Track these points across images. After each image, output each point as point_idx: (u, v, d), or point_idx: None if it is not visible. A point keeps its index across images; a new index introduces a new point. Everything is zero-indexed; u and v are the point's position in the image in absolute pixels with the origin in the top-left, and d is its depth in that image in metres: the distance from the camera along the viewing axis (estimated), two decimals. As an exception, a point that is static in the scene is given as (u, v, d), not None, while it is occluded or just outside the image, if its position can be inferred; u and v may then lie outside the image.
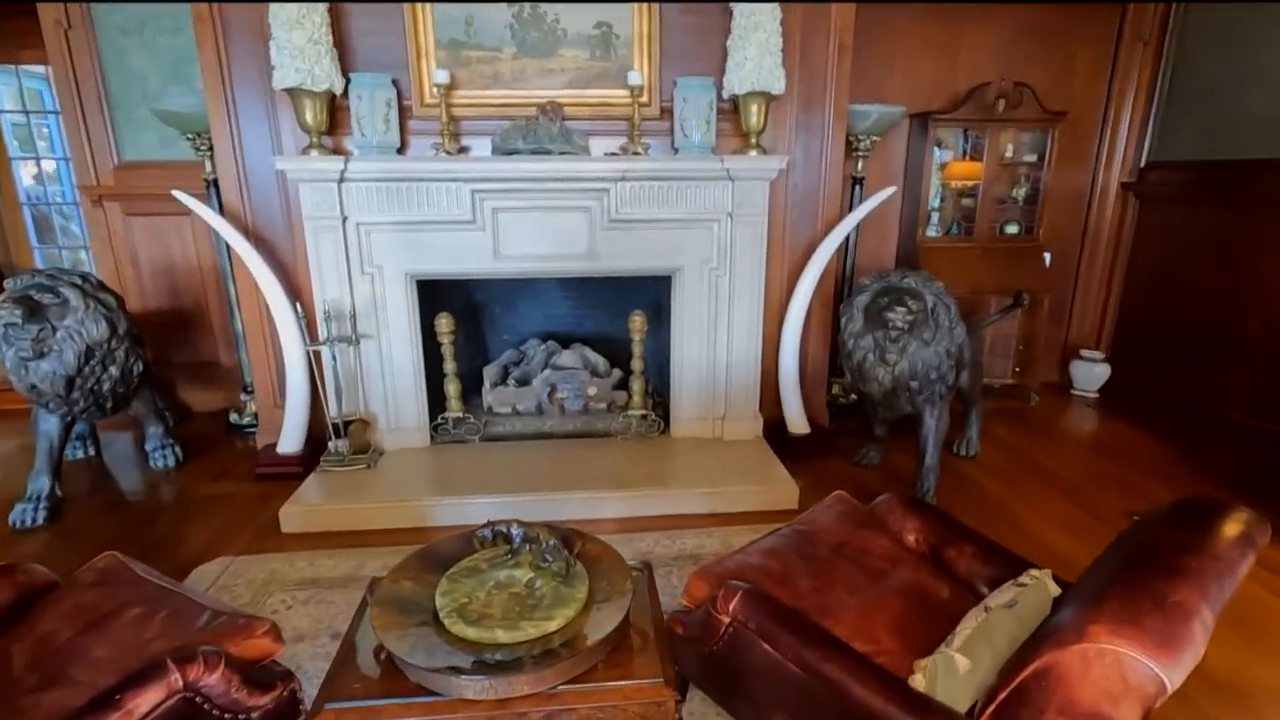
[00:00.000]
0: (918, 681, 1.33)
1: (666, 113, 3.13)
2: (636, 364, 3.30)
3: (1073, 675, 1.00)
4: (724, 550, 2.58)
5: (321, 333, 3.00)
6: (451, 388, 3.28)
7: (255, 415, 3.60)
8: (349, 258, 2.99)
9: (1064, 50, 4.09)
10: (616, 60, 3.06)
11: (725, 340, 3.27)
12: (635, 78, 2.95)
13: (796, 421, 3.41)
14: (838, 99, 3.25)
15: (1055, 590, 1.53)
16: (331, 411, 3.06)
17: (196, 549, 2.63)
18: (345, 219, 2.94)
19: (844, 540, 1.85)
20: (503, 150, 2.96)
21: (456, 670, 1.15)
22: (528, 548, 1.42)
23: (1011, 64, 4.02)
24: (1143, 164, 4.19)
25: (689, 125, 3.06)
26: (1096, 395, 4.34)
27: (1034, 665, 1.05)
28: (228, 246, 3.26)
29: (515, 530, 1.44)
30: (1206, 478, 3.23)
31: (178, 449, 3.37)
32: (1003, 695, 1.10)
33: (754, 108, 3.01)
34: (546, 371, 3.46)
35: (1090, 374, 4.34)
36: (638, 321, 3.23)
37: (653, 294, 3.33)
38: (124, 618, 1.54)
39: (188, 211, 3.10)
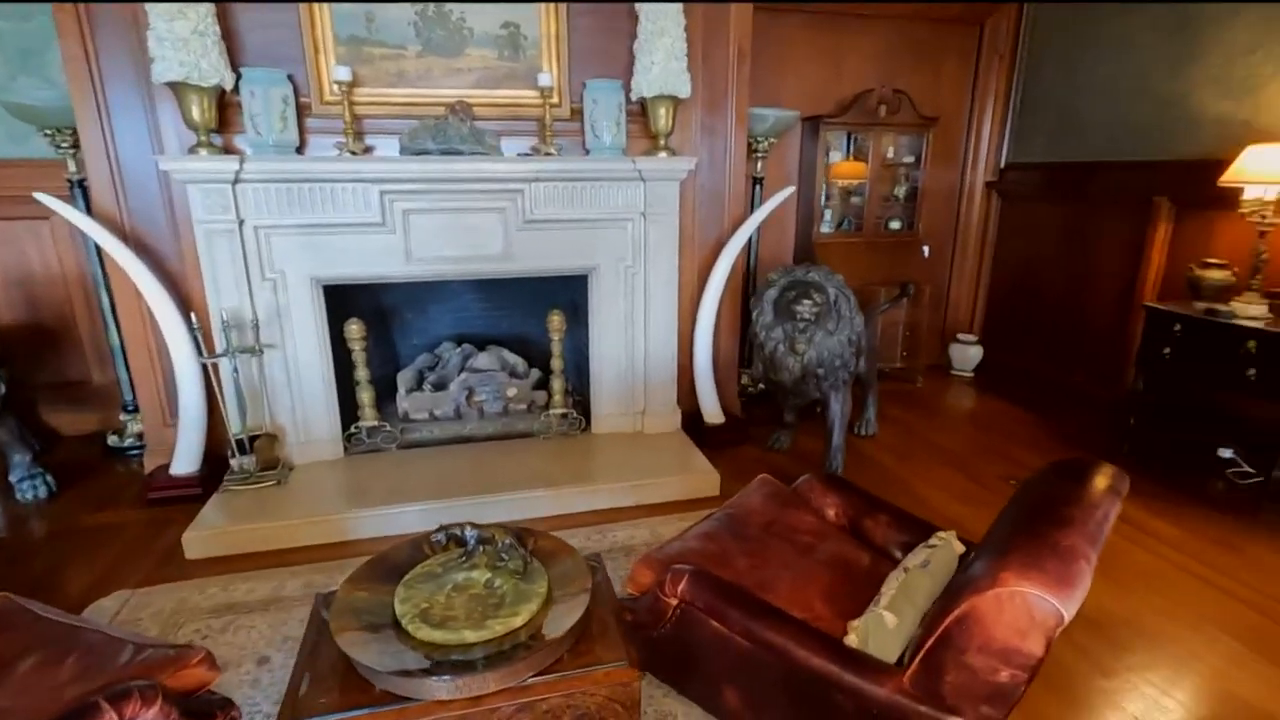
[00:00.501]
0: (852, 640, 1.46)
1: (577, 114, 3.17)
2: (556, 363, 3.32)
3: (989, 617, 1.15)
4: (654, 540, 2.68)
5: (219, 344, 2.82)
6: (365, 396, 3.17)
7: (140, 436, 3.32)
8: (248, 263, 2.82)
9: (934, 61, 4.48)
10: (525, 61, 3.07)
11: (642, 337, 3.36)
12: (545, 79, 2.97)
13: (712, 412, 3.56)
14: (739, 103, 3.41)
15: (960, 548, 1.73)
16: (233, 427, 2.88)
17: (85, 585, 2.40)
18: (241, 222, 2.77)
19: (772, 519, 1.98)
20: (411, 150, 2.89)
21: (429, 673, 1.16)
22: (482, 549, 1.43)
23: (890, 72, 4.36)
24: (1002, 165, 4.67)
25: (600, 127, 3.12)
26: (972, 374, 4.80)
27: (956, 612, 1.19)
28: (100, 253, 2.99)
29: (469, 532, 1.45)
30: (1066, 441, 3.67)
31: (48, 478, 3.05)
32: (930, 642, 1.24)
33: (662, 110, 3.10)
34: (463, 375, 3.41)
35: (966, 355, 4.79)
36: (556, 321, 3.26)
37: (569, 293, 3.36)
38: (27, 664, 1.41)
39: (47, 215, 2.81)
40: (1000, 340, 4.78)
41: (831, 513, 2.07)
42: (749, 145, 3.66)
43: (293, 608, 2.25)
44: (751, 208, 3.79)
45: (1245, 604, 2.34)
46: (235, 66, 2.75)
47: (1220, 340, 2.96)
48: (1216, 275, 3.17)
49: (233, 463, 2.88)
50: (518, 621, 1.25)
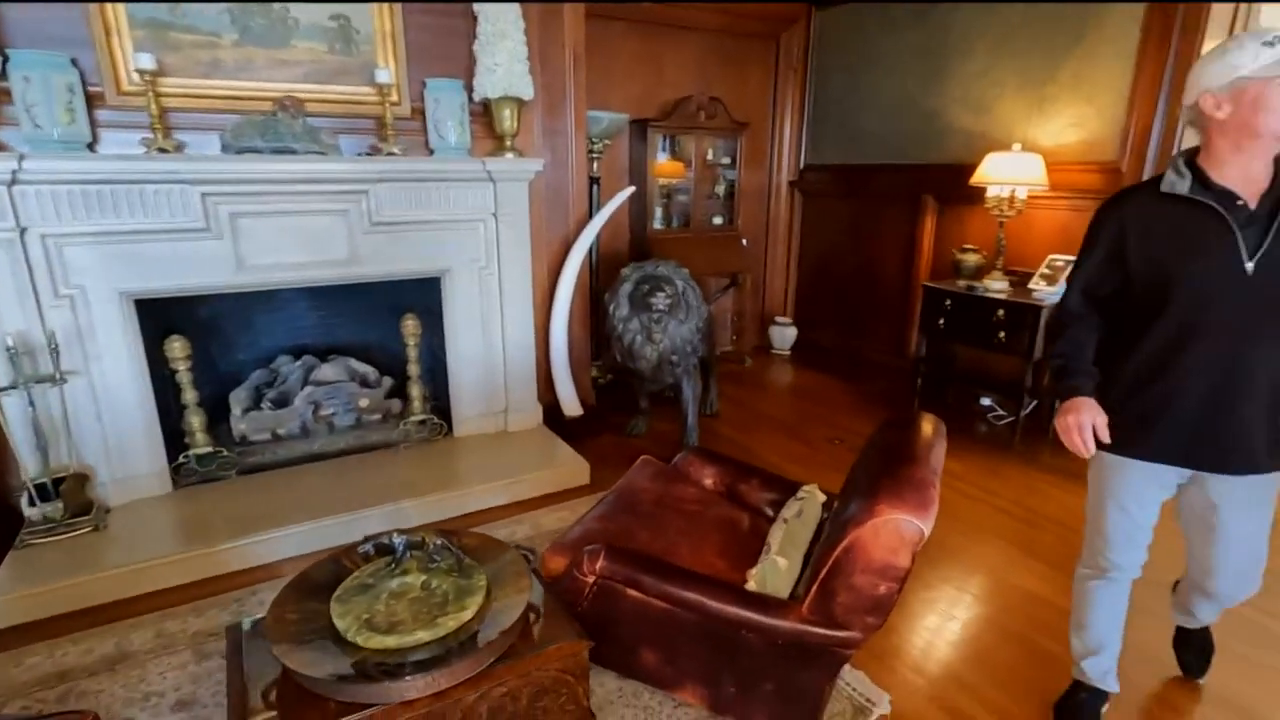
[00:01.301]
0: (752, 585, 1.68)
1: (418, 113, 3.10)
2: (413, 368, 3.24)
3: (869, 543, 1.41)
4: (538, 534, 2.76)
5: (3, 375, 2.38)
6: (194, 420, 2.86)
7: (-121, 497, 2.69)
8: (34, 279, 2.41)
9: (741, 71, 4.95)
10: (359, 56, 2.94)
11: (500, 337, 3.38)
12: (384, 76, 2.88)
13: (571, 405, 3.68)
14: (578, 105, 3.54)
15: (823, 498, 2.03)
16: (30, 471, 2.46)
17: None
18: (24, 230, 2.37)
19: (661, 494, 2.16)
20: (236, 148, 2.65)
21: (392, 676, 1.16)
22: (410, 554, 1.43)
23: (705, 80, 4.75)
24: (802, 166, 5.29)
25: (444, 127, 3.08)
26: (790, 352, 5.40)
27: (843, 544, 1.45)
28: None
29: (397, 539, 1.43)
30: (871, 403, 4.30)
31: None
32: (823, 573, 1.49)
33: (507, 112, 3.14)
34: (308, 389, 3.19)
35: (784, 336, 5.38)
36: (410, 325, 3.17)
37: (422, 296, 3.28)
38: None
39: None
40: (810, 321, 5.42)
41: (709, 482, 2.30)
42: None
43: (147, 662, 2.01)
44: (591, 207, 3.94)
45: (1011, 516, 2.96)
46: (0, 48, 2.33)
47: (978, 310, 3.67)
48: (971, 258, 3.92)
49: (30, 512, 2.46)
50: (467, 615, 1.29)
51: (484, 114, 3.21)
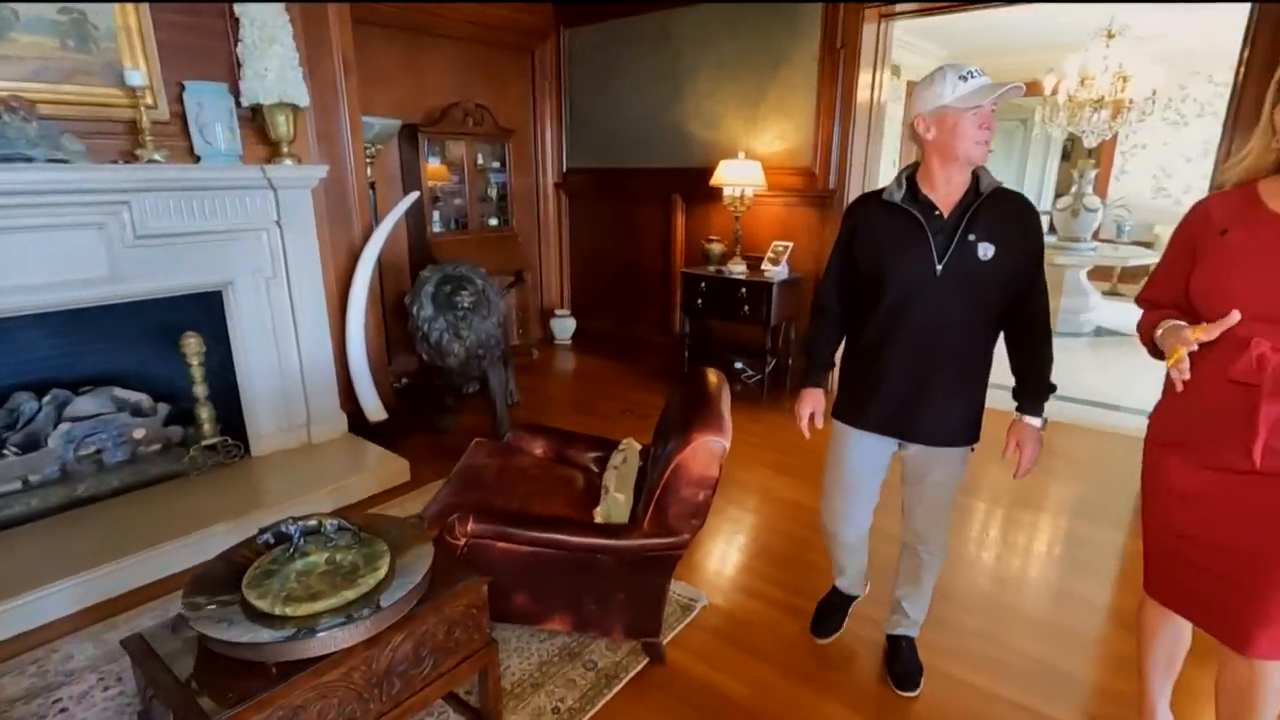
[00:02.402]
0: (599, 519, 2.05)
1: (178, 118, 2.90)
2: (199, 389, 3.03)
3: (690, 461, 1.85)
4: (372, 530, 2.82)
5: None
6: (-84, 478, 2.40)
7: None
8: None
9: (501, 81, 5.23)
10: (101, 54, 2.67)
11: (295, 348, 3.30)
12: (136, 78, 2.67)
13: (375, 410, 3.69)
14: (351, 111, 3.55)
15: (639, 447, 2.47)
16: None
17: None
18: None
19: (501, 466, 2.42)
20: (-49, 156, 2.29)
21: (333, 626, 1.29)
22: (306, 539, 1.53)
23: (468, 88, 4.95)
24: (565, 169, 5.74)
25: (210, 132, 2.93)
26: (571, 342, 5.85)
27: (671, 466, 1.87)
28: None
29: (290, 527, 1.51)
30: (649, 378, 4.91)
31: None
32: (657, 492, 1.90)
33: (281, 118, 3.07)
34: (65, 426, 2.82)
35: (564, 327, 5.81)
36: (193, 344, 2.96)
37: (204, 312, 3.06)
38: None
39: None
40: (587, 311, 5.92)
41: (540, 451, 2.61)
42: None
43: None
44: (371, 212, 3.96)
45: (768, 449, 3.72)
46: None
47: (726, 290, 4.44)
48: (716, 247, 4.69)
49: None
50: (382, 573, 1.44)
51: (253, 119, 3.10)
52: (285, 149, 3.13)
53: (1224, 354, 1.32)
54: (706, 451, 1.86)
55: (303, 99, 3.11)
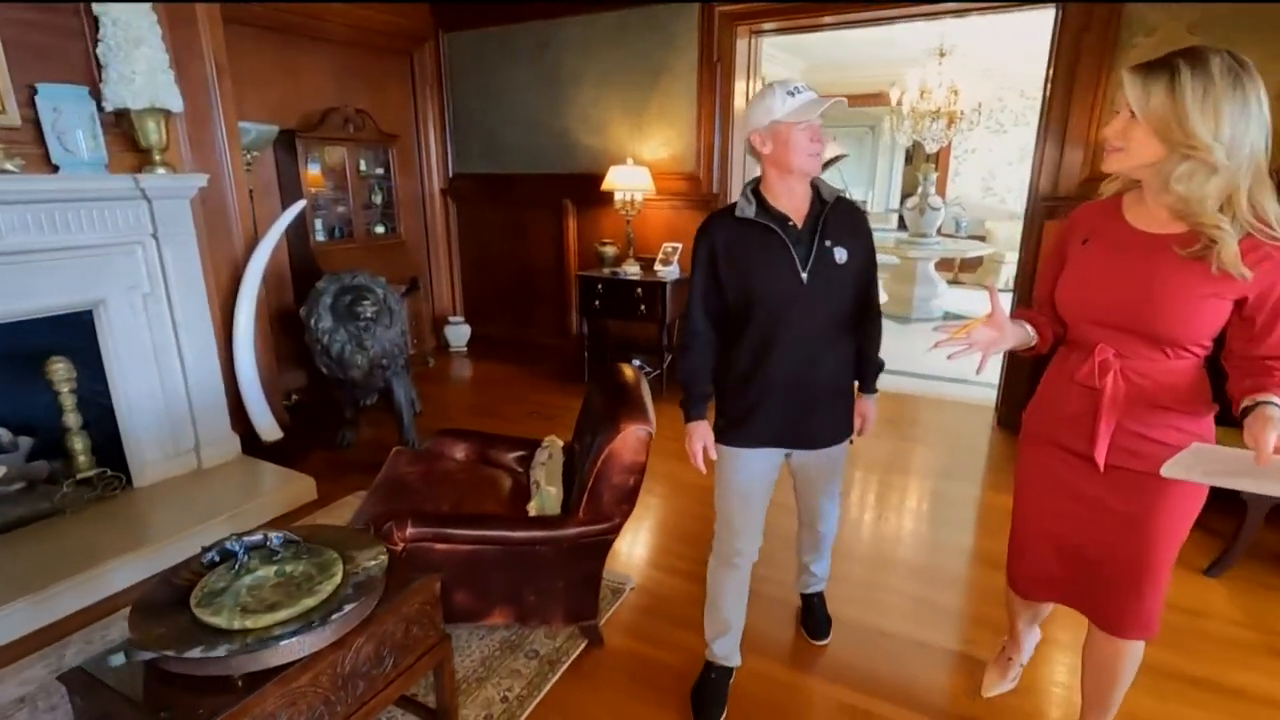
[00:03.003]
0: (533, 513, 2.14)
1: (30, 123, 2.65)
2: (71, 418, 2.78)
3: (621, 449, 1.99)
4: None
5: None
6: None
7: None
8: None
9: (381, 86, 5.11)
10: (-66, 53, 2.40)
11: (179, 368, 3.10)
12: (-21, 80, 2.43)
13: (269, 429, 3.53)
14: (227, 116, 3.38)
15: (561, 442, 2.57)
16: None
17: None
18: None
19: (425, 472, 2.44)
20: None
21: (299, 633, 1.30)
22: (249, 555, 1.51)
23: (346, 92, 4.79)
24: (451, 175, 5.68)
25: (70, 139, 2.71)
26: (467, 348, 5.80)
27: (602, 456, 2.00)
28: None
29: (234, 544, 1.48)
30: (551, 379, 4.99)
31: None
32: (590, 481, 2.03)
33: (152, 124, 2.89)
34: (-94, 469, 2.51)
35: (459, 334, 5.76)
36: (61, 370, 2.73)
37: (73, 335, 2.81)
38: None
39: None
40: (481, 317, 5.89)
41: (462, 455, 2.64)
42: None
43: None
44: (251, 222, 3.77)
45: (666, 439, 3.90)
46: None
47: (622, 290, 4.62)
48: (610, 249, 4.86)
49: None
50: (339, 578, 1.46)
51: (118, 125, 2.89)
52: (157, 157, 2.94)
53: (1077, 359, 1.41)
54: (635, 439, 2.00)
55: (176, 104, 2.94)
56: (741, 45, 4.38)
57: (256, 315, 3.45)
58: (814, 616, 2.29)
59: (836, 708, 2.01)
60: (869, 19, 4.12)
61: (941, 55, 6.35)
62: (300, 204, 3.64)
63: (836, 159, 12.87)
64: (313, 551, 1.57)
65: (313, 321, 3.23)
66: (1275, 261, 1.20)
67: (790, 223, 1.67)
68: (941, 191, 8.69)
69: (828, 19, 4.15)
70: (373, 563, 1.55)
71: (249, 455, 3.39)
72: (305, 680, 1.34)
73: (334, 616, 1.37)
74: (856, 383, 1.91)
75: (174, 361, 3.08)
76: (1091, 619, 1.55)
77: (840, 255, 1.68)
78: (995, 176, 8.99)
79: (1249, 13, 3.08)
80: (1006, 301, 2.83)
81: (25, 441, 2.84)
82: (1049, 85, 3.68)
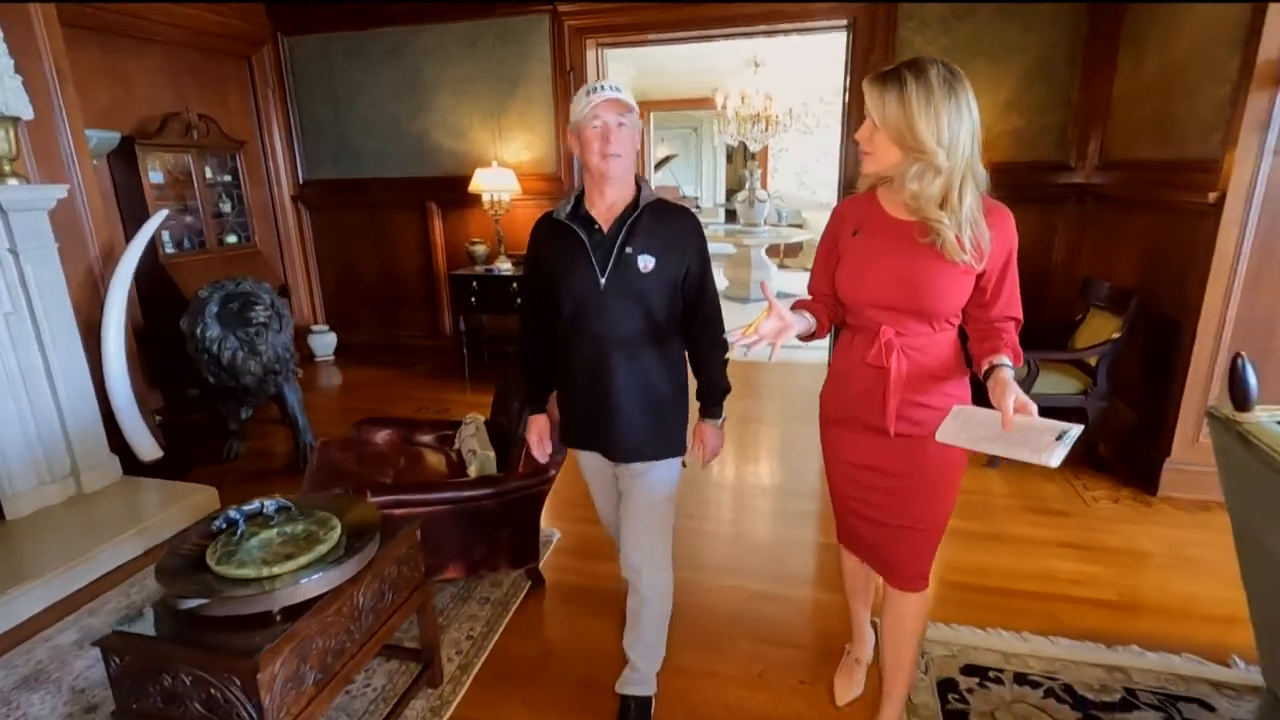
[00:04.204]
0: (474, 474, 2.42)
1: None
2: (-68, 452, 2.57)
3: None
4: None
5: None
6: None
7: None
8: None
9: (220, 90, 4.91)
10: None
11: (49, 391, 2.93)
12: None
13: (148, 449, 3.39)
14: (73, 123, 3.21)
15: (483, 418, 2.85)
16: None
17: None
18: None
19: (359, 456, 2.61)
20: None
21: (325, 570, 1.51)
22: (246, 524, 1.66)
23: (183, 97, 4.58)
24: (301, 181, 5.55)
25: (-94, 150, 2.51)
26: (334, 356, 5.71)
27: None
28: None
29: (234, 513, 1.63)
30: (429, 377, 5.11)
31: None
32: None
33: (1, 132, 2.73)
34: None
35: (324, 343, 5.65)
36: (-83, 399, 2.52)
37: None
38: None
39: None
40: (345, 324, 5.82)
41: (385, 440, 2.82)
42: (84, 169, 3.43)
43: None
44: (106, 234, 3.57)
45: (565, 418, 4.28)
46: None
47: (497, 286, 4.87)
48: (480, 248, 5.08)
49: None
50: (339, 531, 1.66)
51: (-45, 134, 2.70)
52: (7, 167, 2.78)
53: (864, 342, 1.51)
54: (563, 399, 2.35)
55: (26, 111, 2.80)
56: (591, 55, 4.81)
57: (127, 331, 3.31)
58: None
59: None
60: (685, 38, 4.76)
61: (756, 66, 7.22)
62: (163, 213, 3.53)
63: (668, 159, 13.76)
64: (305, 513, 1.76)
65: (198, 330, 3.18)
66: (1000, 239, 1.38)
67: (596, 226, 1.63)
68: (764, 186, 9.74)
69: (651, 35, 4.73)
70: (366, 516, 1.78)
71: (132, 476, 3.25)
72: (332, 611, 1.57)
73: (352, 556, 1.60)
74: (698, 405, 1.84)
75: (43, 383, 2.91)
76: (885, 577, 1.68)
77: (645, 263, 1.61)
78: (807, 171, 10.24)
79: (986, 39, 4.03)
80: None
81: None
82: (847, 93, 4.49)
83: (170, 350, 3.87)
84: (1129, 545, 2.74)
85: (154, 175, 4.35)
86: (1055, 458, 1.14)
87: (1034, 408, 1.23)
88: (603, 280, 1.61)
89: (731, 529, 2.96)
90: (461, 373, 5.14)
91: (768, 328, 1.39)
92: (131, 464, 3.31)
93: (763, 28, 4.61)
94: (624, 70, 8.17)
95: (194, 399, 4.16)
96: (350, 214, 5.58)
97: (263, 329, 3.28)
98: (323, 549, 1.61)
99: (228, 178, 4.86)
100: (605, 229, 1.63)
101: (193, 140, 4.49)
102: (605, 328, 1.64)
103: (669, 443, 1.76)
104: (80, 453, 3.06)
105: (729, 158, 13.40)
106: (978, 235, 1.36)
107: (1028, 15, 3.96)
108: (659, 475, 1.76)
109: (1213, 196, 2.76)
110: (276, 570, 1.53)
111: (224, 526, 1.65)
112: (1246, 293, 2.79)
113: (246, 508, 1.70)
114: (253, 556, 1.57)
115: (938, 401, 1.47)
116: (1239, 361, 1.41)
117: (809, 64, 7.89)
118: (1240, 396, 1.40)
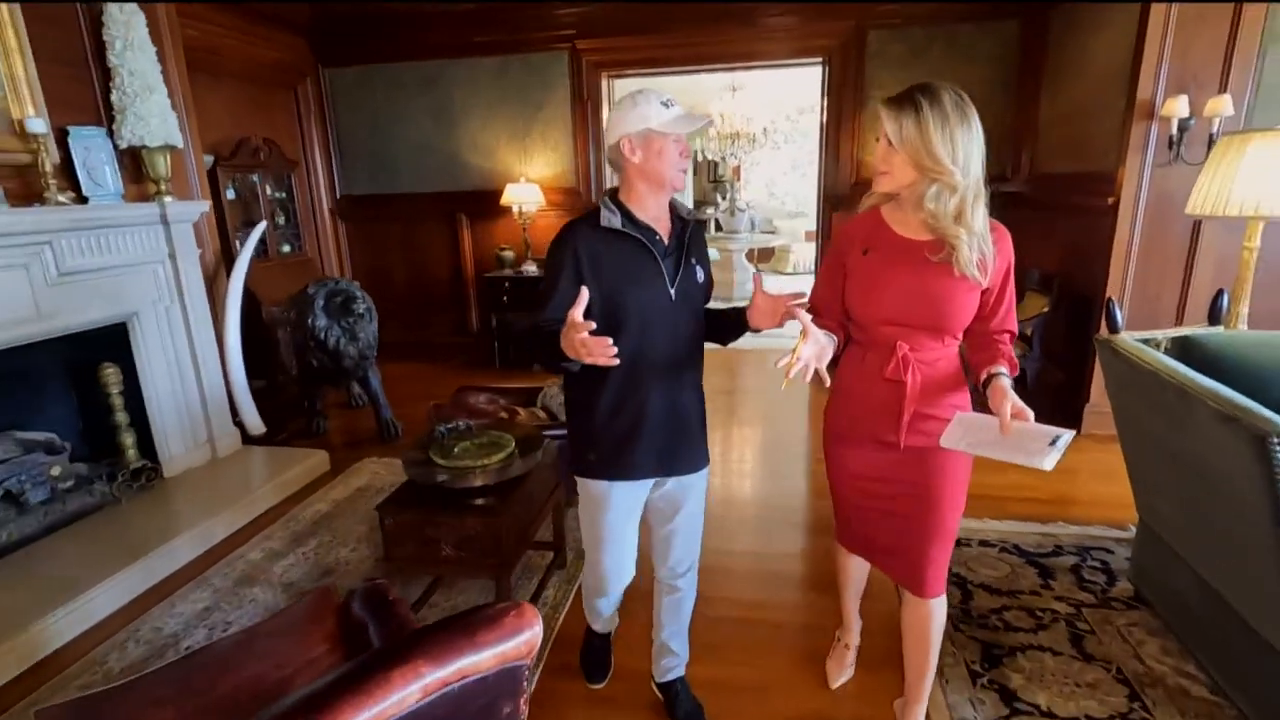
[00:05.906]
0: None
1: (64, 161, 3.02)
2: (120, 417, 3.16)
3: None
4: (334, 508, 3.39)
5: None
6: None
7: None
8: None
9: (269, 117, 5.50)
10: (-7, 103, 2.75)
11: (193, 371, 3.53)
12: (39, 125, 2.81)
13: (255, 424, 3.99)
14: (196, 149, 3.82)
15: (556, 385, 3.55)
16: None
17: None
18: None
19: (470, 412, 3.28)
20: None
21: (521, 459, 2.22)
22: (449, 434, 2.35)
23: (242, 124, 5.15)
24: (339, 196, 6.16)
25: (99, 174, 3.11)
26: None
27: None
28: None
29: (444, 429, 2.32)
30: (463, 371, 5.76)
31: None
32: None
33: (160, 159, 3.34)
34: (-18, 472, 2.78)
35: (362, 341, 6.24)
36: (111, 374, 3.11)
37: (106, 345, 3.16)
38: None
39: None
40: (388, 323, 6.38)
41: (482, 401, 3.50)
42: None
43: None
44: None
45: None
46: None
47: (527, 286, 5.56)
48: (509, 254, 5.77)
49: None
50: (513, 444, 2.34)
51: (123, 160, 3.30)
52: (164, 187, 3.39)
53: (879, 358, 1.53)
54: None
55: (180, 141, 3.41)
56: (604, 86, 5.58)
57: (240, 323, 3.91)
58: (683, 706, 1.94)
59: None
60: (685, 70, 5.58)
61: (734, 90, 8.09)
62: (263, 224, 4.14)
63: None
64: (483, 433, 2.46)
65: (309, 321, 3.81)
66: (1001, 255, 1.46)
67: (658, 236, 1.59)
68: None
69: (654, 70, 5.55)
70: (529, 435, 2.49)
71: (249, 445, 3.85)
72: (523, 489, 2.28)
73: (534, 453, 2.32)
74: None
75: (189, 365, 3.51)
76: (907, 586, 1.68)
77: (700, 274, 1.66)
78: (776, 184, 11.17)
79: (938, 74, 4.91)
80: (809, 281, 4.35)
81: (69, 444, 3.13)
82: (824, 115, 5.35)
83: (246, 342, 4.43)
84: (1061, 465, 3.57)
85: (228, 192, 4.93)
86: (1049, 461, 1.22)
87: (1030, 414, 1.34)
88: (673, 291, 1.58)
89: (728, 528, 3.71)
90: (493, 364, 5.80)
91: (809, 352, 1.39)
92: (244, 437, 3.90)
93: (755, 63, 5.45)
94: (621, 91, 8.94)
95: (262, 388, 4.73)
96: (385, 225, 6.19)
97: (360, 319, 3.92)
98: (507, 450, 2.32)
99: (283, 194, 5.45)
100: (666, 239, 1.61)
101: (259, 161, 5.08)
102: (673, 340, 1.62)
103: (707, 450, 1.80)
104: (215, 424, 3.66)
105: (695, 171, 14.28)
106: (985, 251, 1.43)
107: (971, 53, 4.88)
108: (702, 481, 1.81)
109: (1110, 201, 3.66)
110: (484, 461, 2.23)
111: (443, 434, 2.34)
112: (1138, 273, 3.69)
113: (448, 426, 2.40)
114: (467, 452, 2.27)
115: (945, 412, 1.52)
116: (1110, 303, 2.23)
117: (779, 86, 8.81)
118: (1111, 325, 2.22)
